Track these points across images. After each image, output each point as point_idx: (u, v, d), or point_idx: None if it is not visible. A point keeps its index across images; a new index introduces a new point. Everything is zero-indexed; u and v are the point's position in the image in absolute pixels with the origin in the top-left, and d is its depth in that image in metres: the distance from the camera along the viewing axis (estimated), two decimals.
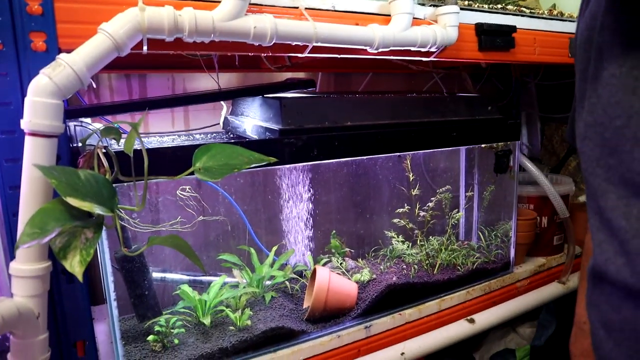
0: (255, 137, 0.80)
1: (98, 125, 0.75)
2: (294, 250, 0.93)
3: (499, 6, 0.95)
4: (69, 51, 0.54)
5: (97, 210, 0.49)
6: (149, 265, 0.76)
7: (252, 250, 0.86)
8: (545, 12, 1.00)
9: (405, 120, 0.85)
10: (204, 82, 1.01)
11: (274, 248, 0.88)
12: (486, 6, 0.91)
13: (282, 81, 0.83)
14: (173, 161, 0.64)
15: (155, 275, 0.81)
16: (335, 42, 0.71)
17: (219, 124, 0.94)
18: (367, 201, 1.03)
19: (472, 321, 0.91)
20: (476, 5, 0.90)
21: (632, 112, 0.40)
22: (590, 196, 0.46)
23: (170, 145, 0.70)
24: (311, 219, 0.96)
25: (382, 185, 1.04)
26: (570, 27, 1.01)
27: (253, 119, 0.84)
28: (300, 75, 1.10)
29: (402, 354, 0.84)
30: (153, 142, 0.84)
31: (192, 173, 0.58)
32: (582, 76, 0.49)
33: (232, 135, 0.89)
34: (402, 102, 0.87)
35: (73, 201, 0.48)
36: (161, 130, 0.96)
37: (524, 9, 0.97)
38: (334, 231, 0.95)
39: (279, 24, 0.65)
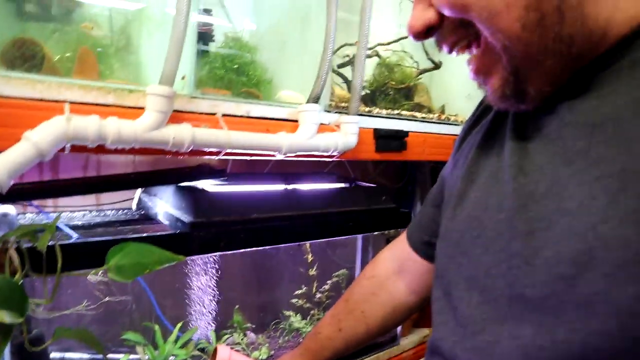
0: (167, 222, 0.86)
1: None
2: (197, 328, 0.98)
3: (396, 112, 1.10)
4: None
5: (7, 319, 0.53)
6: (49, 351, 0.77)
7: (157, 327, 0.90)
8: (435, 117, 1.16)
9: (306, 212, 0.95)
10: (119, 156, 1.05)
11: (179, 325, 0.93)
12: (384, 111, 1.05)
13: (195, 167, 0.90)
14: (86, 256, 0.68)
15: (54, 355, 0.82)
16: (247, 149, 0.79)
17: (132, 199, 0.98)
18: (270, 279, 1.11)
19: None
20: (375, 112, 1.04)
21: (484, 226, 0.51)
22: (438, 281, 0.58)
23: (83, 241, 0.73)
24: (216, 295, 1.02)
25: (285, 265, 1.12)
26: (455, 130, 1.18)
27: (166, 203, 0.90)
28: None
29: None
30: (62, 219, 0.87)
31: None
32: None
33: (143, 216, 0.94)
34: (305, 195, 0.97)
35: None
36: (70, 204, 0.98)
37: (416, 114, 1.12)
38: (237, 306, 1.01)
39: (197, 134, 0.73)
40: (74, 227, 0.86)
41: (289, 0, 1.03)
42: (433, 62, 1.27)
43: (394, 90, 1.19)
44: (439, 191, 0.72)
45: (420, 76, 1.27)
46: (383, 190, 1.11)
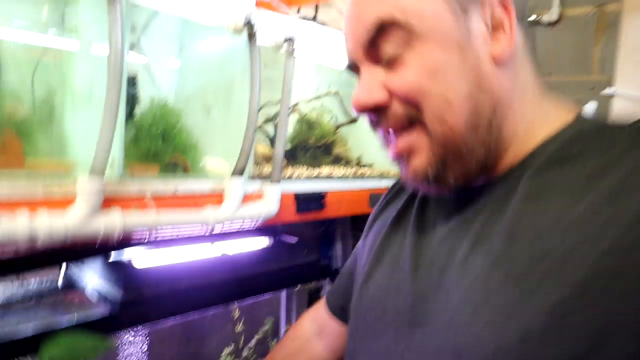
0: (96, 298, 0.88)
1: None
2: None
3: (316, 170, 1.19)
4: None
5: None
6: None
7: None
8: (351, 174, 1.26)
9: (232, 276, 1.00)
10: None
11: None
12: (305, 172, 1.13)
13: None
14: (17, 347, 0.70)
15: None
16: (178, 224, 0.84)
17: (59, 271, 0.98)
18: (199, 339, 1.15)
19: None
20: (296, 174, 1.11)
21: (385, 310, 0.60)
22: (348, 349, 0.66)
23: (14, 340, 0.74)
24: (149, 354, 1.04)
25: (212, 324, 1.17)
26: (372, 184, 1.29)
27: (94, 278, 0.91)
28: None
29: None
30: None
31: None
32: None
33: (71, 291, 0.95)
34: (230, 259, 1.03)
35: None
36: None
37: (334, 173, 1.21)
38: None
39: (127, 220, 0.76)
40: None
41: (215, 65, 1.08)
42: (350, 116, 1.37)
43: (314, 147, 1.27)
44: (352, 263, 0.81)
45: (338, 129, 1.37)
46: (305, 243, 1.19)
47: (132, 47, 1.05)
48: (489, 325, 0.45)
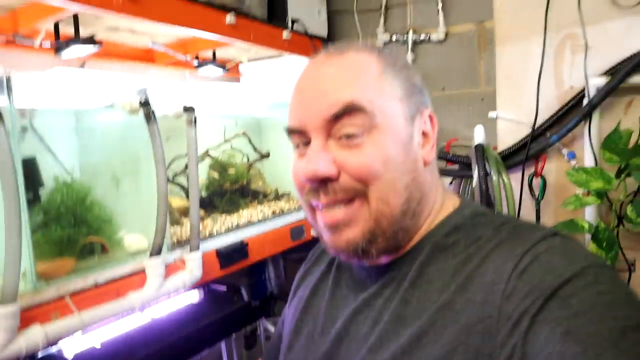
0: None
1: None
2: None
3: (234, 218, 1.23)
4: None
5: None
6: None
7: None
8: (270, 214, 1.31)
9: (164, 342, 1.03)
10: None
11: None
12: (224, 229, 1.17)
13: None
14: None
15: None
16: (103, 320, 0.85)
17: None
18: None
19: None
20: (215, 230, 1.15)
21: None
22: None
23: None
24: None
25: None
26: (291, 218, 1.34)
27: None
28: None
29: None
30: None
31: None
32: None
33: None
34: (160, 325, 1.05)
35: None
36: None
37: (253, 217, 1.26)
38: None
39: (48, 330, 0.77)
40: None
41: (117, 138, 1.08)
42: (261, 153, 1.41)
43: (230, 191, 1.30)
44: (280, 328, 0.87)
45: (252, 167, 1.41)
46: (234, 290, 1.23)
47: (25, 130, 1.02)
48: None
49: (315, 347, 0.67)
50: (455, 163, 1.33)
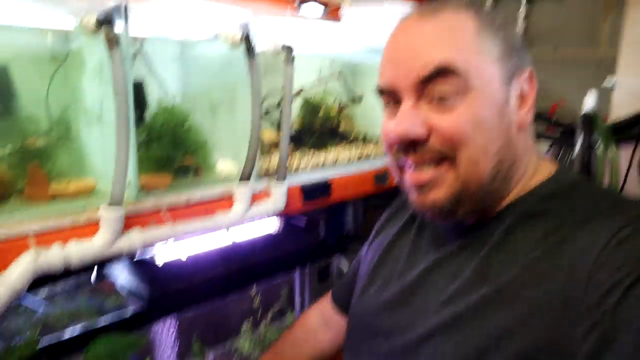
0: (125, 294, 1.00)
1: None
2: None
3: (321, 156, 1.25)
4: None
5: None
6: None
7: None
8: (355, 157, 1.32)
9: (244, 265, 1.11)
10: None
11: None
12: (310, 166, 1.20)
13: None
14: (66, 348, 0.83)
15: None
16: (192, 234, 0.93)
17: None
18: (222, 312, 1.28)
19: None
20: (301, 166, 1.18)
21: (374, 318, 0.70)
22: (347, 341, 0.77)
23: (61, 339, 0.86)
24: (177, 328, 1.18)
25: (233, 300, 1.29)
26: (376, 164, 1.34)
27: (123, 275, 1.03)
28: None
29: None
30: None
31: None
32: None
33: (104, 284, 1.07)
34: (242, 247, 1.13)
35: None
36: None
37: (340, 159, 1.27)
38: (195, 336, 1.18)
39: (146, 237, 0.85)
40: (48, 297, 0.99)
41: (217, 68, 1.12)
42: (353, 96, 1.41)
43: (319, 131, 1.32)
44: (356, 266, 0.91)
45: (343, 110, 1.41)
46: (313, 224, 1.28)
47: (135, 55, 1.09)
48: (455, 344, 0.56)
49: (389, 293, 0.70)
50: (558, 127, 1.25)
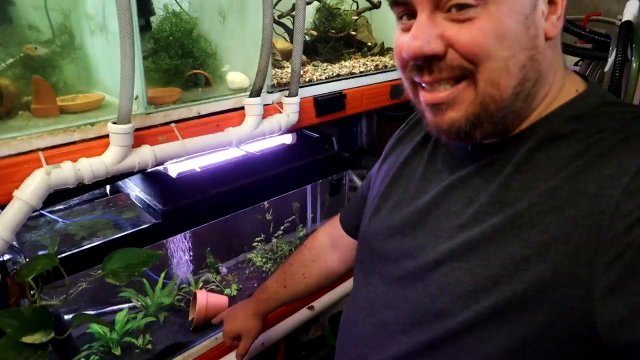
0: (140, 206, 1.01)
1: None
2: (178, 276, 1.19)
3: (336, 67, 1.20)
4: None
5: (44, 339, 0.71)
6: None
7: (145, 280, 1.11)
8: (373, 67, 1.25)
9: (259, 177, 1.10)
10: None
11: (162, 274, 1.13)
12: (324, 77, 1.14)
13: None
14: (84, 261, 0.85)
15: (67, 317, 1.03)
16: (203, 150, 0.92)
17: None
18: (235, 226, 1.30)
19: (311, 308, 1.28)
20: (315, 78, 1.13)
21: (385, 240, 0.70)
22: (357, 263, 0.78)
23: (78, 250, 0.88)
24: (191, 242, 1.21)
25: (247, 216, 1.30)
26: (392, 75, 1.29)
27: (137, 187, 1.03)
28: None
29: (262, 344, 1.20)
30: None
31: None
32: None
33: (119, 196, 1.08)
34: (256, 160, 1.12)
35: (27, 339, 0.69)
36: None
37: (355, 69, 1.21)
38: (209, 249, 1.22)
39: (157, 153, 0.84)
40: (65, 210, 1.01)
41: None
42: (372, 2, 1.31)
43: (334, 39, 1.25)
44: (366, 187, 0.89)
45: (359, 16, 1.32)
46: (326, 138, 1.26)
47: None
48: (468, 271, 0.55)
49: (401, 215, 0.68)
50: (590, 42, 1.16)
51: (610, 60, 1.04)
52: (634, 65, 1.03)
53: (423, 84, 0.57)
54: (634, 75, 1.02)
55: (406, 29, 0.55)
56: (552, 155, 0.54)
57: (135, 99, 0.85)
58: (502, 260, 0.52)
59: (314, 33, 1.26)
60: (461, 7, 0.50)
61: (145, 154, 0.82)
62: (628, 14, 1.04)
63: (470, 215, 0.58)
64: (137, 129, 0.84)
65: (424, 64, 0.54)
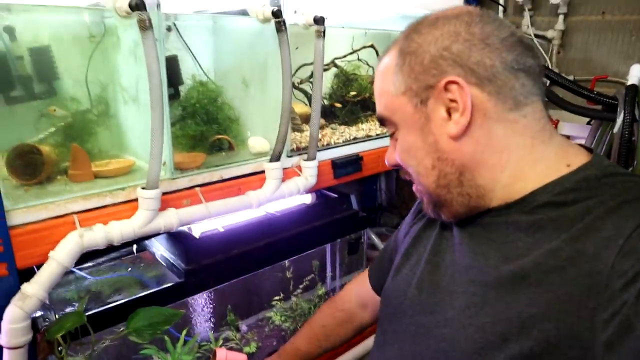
0: (164, 264, 1.05)
1: None
2: (199, 334, 1.21)
3: (353, 130, 1.25)
4: (25, 269, 0.75)
5: None
6: None
7: (166, 337, 1.13)
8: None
9: (279, 237, 1.14)
10: None
11: (184, 332, 1.15)
12: (341, 141, 1.20)
13: None
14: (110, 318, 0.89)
15: None
16: (225, 213, 0.96)
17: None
18: (255, 285, 1.33)
19: None
20: (333, 141, 1.19)
21: (406, 297, 0.72)
22: (380, 322, 0.80)
23: (104, 308, 0.92)
24: (213, 299, 1.24)
25: (267, 274, 1.33)
26: None
27: (162, 246, 1.08)
28: None
29: None
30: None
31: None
32: None
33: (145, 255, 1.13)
34: (276, 220, 1.16)
35: None
36: None
37: (371, 131, 1.27)
38: (229, 306, 1.24)
39: (181, 216, 0.89)
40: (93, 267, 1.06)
41: (248, 44, 1.12)
42: None
43: (351, 103, 1.32)
44: (393, 246, 0.92)
45: None
46: (344, 198, 1.29)
47: (169, 29, 1.10)
48: (478, 328, 0.58)
49: (418, 273, 0.73)
50: (598, 103, 1.19)
51: (619, 121, 1.07)
52: None
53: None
54: None
55: None
56: (554, 218, 0.57)
57: (163, 164, 0.92)
58: (510, 318, 0.55)
59: (333, 96, 1.33)
60: (393, 134, 0.68)
61: (170, 217, 0.87)
62: (633, 77, 1.08)
63: (479, 271, 0.61)
64: (163, 193, 0.89)
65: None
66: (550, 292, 0.53)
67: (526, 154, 0.61)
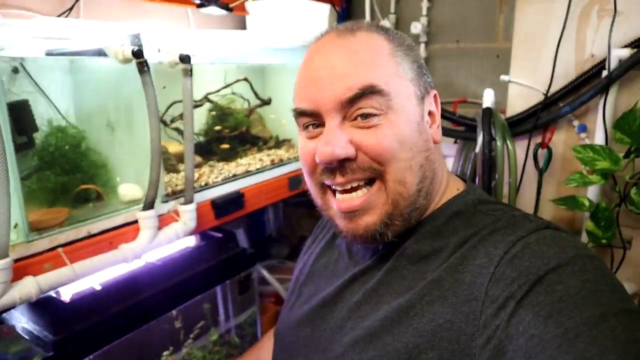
0: (27, 338, 0.92)
1: None
2: None
3: (232, 166, 1.22)
4: None
5: None
6: None
7: None
8: (269, 162, 1.29)
9: (163, 286, 1.06)
10: None
11: None
12: (220, 179, 1.16)
13: None
14: None
15: None
16: (95, 272, 0.87)
17: None
18: (142, 342, 1.22)
19: None
20: (211, 181, 1.14)
21: (297, 335, 0.71)
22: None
23: None
24: None
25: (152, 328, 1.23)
26: (290, 167, 1.33)
27: (23, 317, 0.95)
28: None
29: None
30: None
31: None
32: None
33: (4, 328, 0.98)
34: (158, 268, 1.08)
35: None
36: None
37: (251, 166, 1.24)
38: None
39: (41, 281, 0.79)
40: None
41: (110, 81, 1.04)
42: (262, 100, 1.37)
43: (229, 138, 1.28)
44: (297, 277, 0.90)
45: (252, 113, 1.38)
46: (230, 236, 1.25)
47: (16, 71, 0.99)
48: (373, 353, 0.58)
49: (308, 308, 0.72)
50: (461, 125, 1.29)
51: (480, 140, 1.16)
52: (499, 143, 1.15)
53: (336, 188, 0.62)
54: (499, 153, 1.14)
55: (313, 137, 0.61)
56: (437, 247, 0.60)
57: (15, 227, 0.81)
58: (398, 350, 0.56)
59: (209, 132, 1.28)
60: (366, 116, 0.57)
61: (27, 287, 0.77)
62: (487, 101, 1.19)
63: (369, 305, 0.62)
64: (18, 259, 0.79)
65: (337, 166, 0.59)
66: (433, 321, 0.55)
67: (445, 178, 0.67)
